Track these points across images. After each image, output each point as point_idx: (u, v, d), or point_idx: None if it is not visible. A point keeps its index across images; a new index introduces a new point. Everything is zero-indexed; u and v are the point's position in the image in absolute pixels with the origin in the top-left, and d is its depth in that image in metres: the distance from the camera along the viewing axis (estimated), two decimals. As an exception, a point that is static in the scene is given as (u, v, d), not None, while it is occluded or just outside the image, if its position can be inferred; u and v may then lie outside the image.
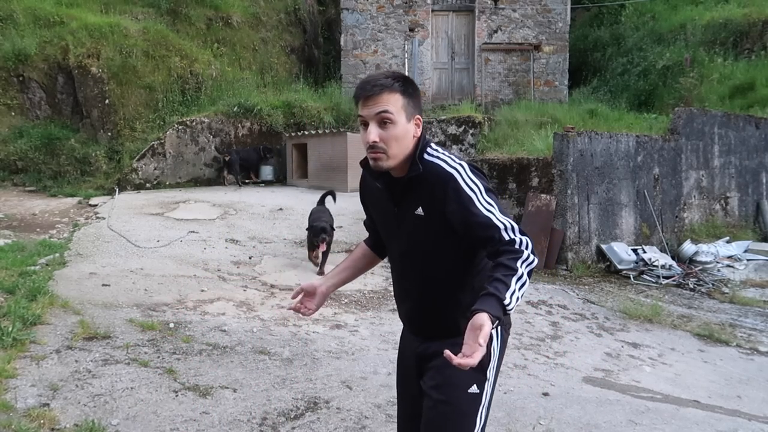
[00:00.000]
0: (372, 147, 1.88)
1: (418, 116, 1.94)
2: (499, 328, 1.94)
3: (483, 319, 1.66)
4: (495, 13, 14.09)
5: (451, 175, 1.88)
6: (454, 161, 1.92)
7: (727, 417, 3.96)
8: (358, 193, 2.34)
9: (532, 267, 1.80)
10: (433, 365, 2.00)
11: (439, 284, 1.99)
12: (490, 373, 1.98)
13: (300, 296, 2.19)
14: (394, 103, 1.88)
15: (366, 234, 2.37)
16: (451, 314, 1.97)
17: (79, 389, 3.53)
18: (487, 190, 1.88)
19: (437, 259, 1.97)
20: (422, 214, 1.93)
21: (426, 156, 1.93)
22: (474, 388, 1.96)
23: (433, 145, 1.98)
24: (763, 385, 4.62)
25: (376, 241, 2.28)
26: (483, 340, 1.63)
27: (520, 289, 1.76)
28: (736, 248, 8.51)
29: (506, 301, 1.72)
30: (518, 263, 1.77)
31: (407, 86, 1.92)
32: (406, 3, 14.08)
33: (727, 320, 6.17)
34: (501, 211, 1.86)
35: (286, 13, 15.64)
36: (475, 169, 1.92)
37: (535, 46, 14.00)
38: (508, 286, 1.73)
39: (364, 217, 2.34)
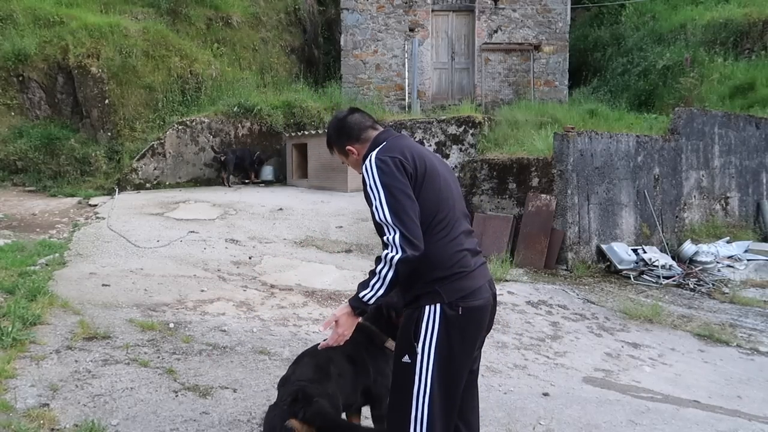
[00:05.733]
0: None
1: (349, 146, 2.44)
2: (436, 305, 2.20)
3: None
4: (495, 13, 14.09)
5: None
6: None
7: (727, 417, 3.96)
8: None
9: None
10: None
11: None
12: (423, 347, 2.21)
13: None
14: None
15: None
16: None
17: (79, 389, 3.52)
18: None
19: None
20: None
21: None
22: (406, 358, 2.24)
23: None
24: (764, 385, 4.62)
25: None
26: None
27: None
28: (736, 248, 8.51)
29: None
30: None
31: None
32: (406, 3, 14.08)
33: (727, 320, 6.17)
34: None
35: (286, 13, 15.63)
36: None
37: (535, 46, 14.00)
38: None
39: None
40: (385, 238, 2.15)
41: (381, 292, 2.15)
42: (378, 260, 2.17)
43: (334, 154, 2.51)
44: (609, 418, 3.77)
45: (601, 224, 8.01)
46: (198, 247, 7.14)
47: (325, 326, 2.27)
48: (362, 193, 2.30)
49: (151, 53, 12.17)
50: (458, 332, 2.22)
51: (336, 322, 2.25)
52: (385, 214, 2.14)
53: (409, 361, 2.24)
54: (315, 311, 5.43)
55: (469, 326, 2.25)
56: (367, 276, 2.20)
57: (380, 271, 2.14)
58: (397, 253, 2.10)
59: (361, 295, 2.17)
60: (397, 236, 2.11)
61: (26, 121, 11.49)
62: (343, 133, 2.42)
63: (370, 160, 2.25)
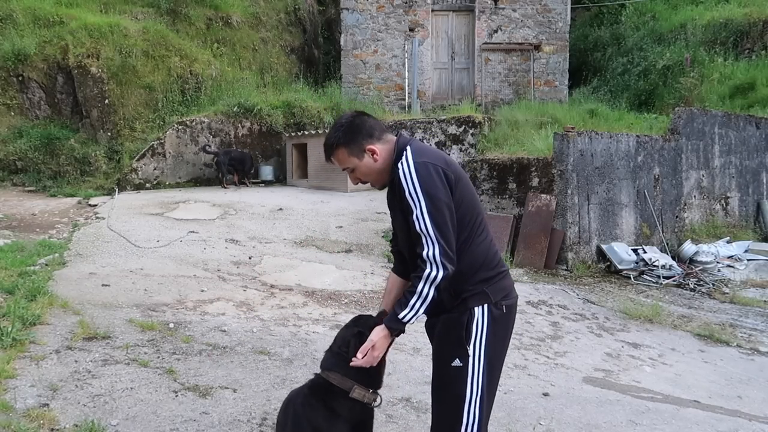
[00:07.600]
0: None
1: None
2: (484, 305, 2.19)
3: None
4: (495, 12, 14.09)
5: None
6: None
7: (727, 417, 3.96)
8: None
9: None
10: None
11: None
12: (474, 348, 2.16)
13: None
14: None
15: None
16: None
17: (79, 389, 3.52)
18: None
19: None
20: None
21: None
22: (456, 362, 2.17)
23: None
24: (764, 385, 4.62)
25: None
26: None
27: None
28: (736, 248, 8.51)
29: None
30: None
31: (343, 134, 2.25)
32: (406, 3, 14.08)
33: (727, 320, 6.17)
34: None
35: (286, 13, 15.64)
36: None
37: (535, 46, 14.00)
38: None
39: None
40: (424, 252, 2.07)
41: (421, 311, 2.11)
42: (417, 278, 2.10)
43: (335, 159, 2.29)
44: (609, 418, 3.77)
45: (601, 224, 8.01)
46: (198, 247, 7.14)
47: (361, 353, 2.17)
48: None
49: (151, 53, 12.17)
50: (502, 331, 2.25)
51: (373, 346, 2.17)
52: (426, 225, 2.07)
53: (461, 364, 2.18)
54: (315, 311, 5.42)
55: (509, 324, 2.30)
56: (404, 295, 2.14)
57: (420, 290, 2.08)
58: (438, 271, 2.06)
59: (400, 315, 2.11)
60: (437, 252, 2.06)
61: (26, 121, 11.49)
62: (362, 132, 2.24)
63: (407, 165, 2.13)
